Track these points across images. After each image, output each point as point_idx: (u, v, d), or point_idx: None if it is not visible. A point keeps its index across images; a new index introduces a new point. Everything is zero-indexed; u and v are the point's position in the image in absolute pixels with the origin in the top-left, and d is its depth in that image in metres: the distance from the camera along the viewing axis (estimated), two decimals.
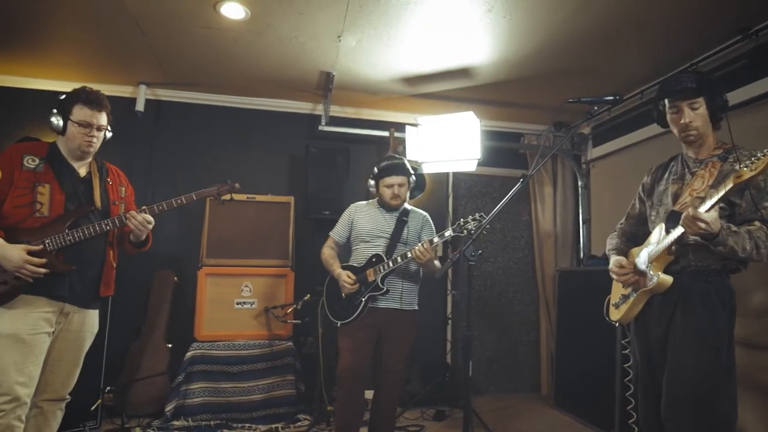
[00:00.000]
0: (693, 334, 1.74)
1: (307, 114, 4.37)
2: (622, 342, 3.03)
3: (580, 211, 4.55)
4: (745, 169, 1.50)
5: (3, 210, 1.98)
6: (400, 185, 2.66)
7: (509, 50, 3.28)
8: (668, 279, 1.81)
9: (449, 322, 4.37)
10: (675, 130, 1.89)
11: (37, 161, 2.06)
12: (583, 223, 4.51)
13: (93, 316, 2.20)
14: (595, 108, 1.96)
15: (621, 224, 2.22)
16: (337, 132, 4.22)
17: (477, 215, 2.31)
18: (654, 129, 3.67)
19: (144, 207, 2.17)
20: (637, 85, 3.71)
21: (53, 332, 2.03)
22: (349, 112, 4.42)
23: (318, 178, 3.93)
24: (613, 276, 2.01)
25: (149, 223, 2.14)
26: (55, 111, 2.10)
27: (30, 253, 1.92)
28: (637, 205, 2.14)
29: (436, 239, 2.46)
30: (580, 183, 4.56)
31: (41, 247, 1.95)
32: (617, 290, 2.06)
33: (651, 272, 1.83)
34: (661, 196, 1.96)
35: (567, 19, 2.88)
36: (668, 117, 1.89)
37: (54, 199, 2.04)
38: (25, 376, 1.92)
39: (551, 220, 4.57)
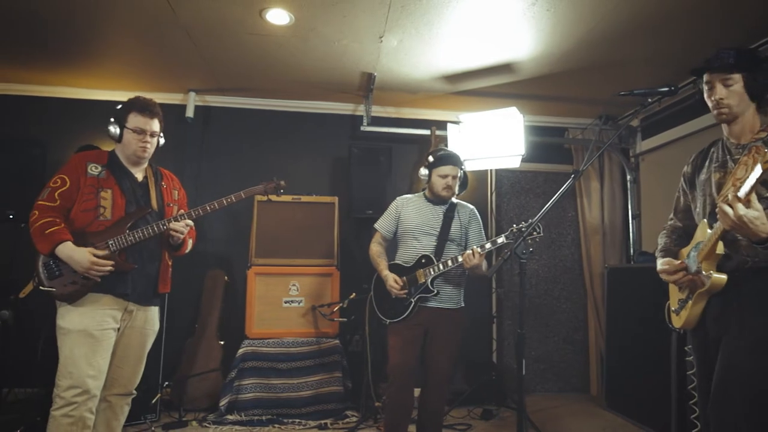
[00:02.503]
0: (747, 334, 1.62)
1: (349, 115, 4.43)
2: (685, 348, 2.90)
3: (630, 206, 4.42)
4: None
5: (71, 215, 2.11)
6: (453, 177, 2.64)
7: (553, 44, 3.22)
8: (722, 278, 1.67)
9: (494, 320, 4.33)
10: (710, 108, 1.79)
11: (100, 168, 2.19)
12: (632, 219, 4.37)
13: (154, 314, 2.32)
14: (649, 100, 1.89)
15: (671, 219, 2.07)
16: (379, 132, 4.25)
17: (530, 222, 2.19)
18: (709, 119, 3.51)
19: (198, 207, 2.27)
20: (690, 75, 3.55)
21: (118, 329, 2.16)
22: (391, 112, 4.44)
23: (361, 178, 3.97)
24: (663, 278, 1.87)
25: (182, 231, 2.23)
26: (112, 120, 2.23)
27: (95, 254, 2.04)
28: (682, 198, 2.00)
29: (488, 245, 2.42)
30: (628, 177, 4.42)
31: (106, 248, 2.08)
32: (674, 295, 1.93)
33: (704, 272, 1.71)
34: (704, 186, 1.82)
35: (613, 10, 2.80)
36: (705, 95, 1.79)
37: (116, 203, 2.16)
38: (95, 370, 2.05)
39: (598, 216, 4.44)
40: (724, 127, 1.81)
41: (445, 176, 2.63)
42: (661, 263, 1.89)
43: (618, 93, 1.94)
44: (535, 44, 3.24)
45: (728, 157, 1.76)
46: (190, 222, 2.26)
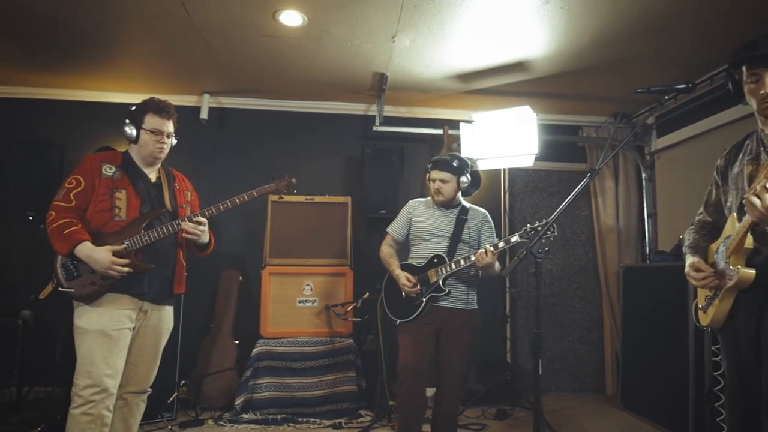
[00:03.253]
0: None
1: (361, 115, 4.44)
2: (713, 348, 2.86)
3: (645, 204, 4.37)
4: None
5: (87, 216, 2.14)
6: (442, 181, 2.61)
7: (567, 41, 3.20)
8: (750, 273, 1.61)
9: (508, 320, 4.31)
10: (753, 102, 1.70)
11: (114, 169, 2.21)
12: (648, 218, 4.33)
13: (168, 313, 2.34)
14: (666, 97, 1.86)
15: (700, 214, 2.00)
16: (391, 132, 4.26)
17: (544, 221, 2.16)
18: (726, 116, 3.47)
19: (211, 207, 2.29)
20: (706, 71, 3.52)
21: (134, 328, 2.18)
22: (403, 112, 4.44)
23: (374, 177, 3.97)
24: (691, 281, 1.81)
25: (197, 230, 2.24)
26: (127, 121, 2.24)
27: (114, 253, 2.06)
28: (714, 191, 1.93)
29: (501, 244, 2.41)
30: (644, 175, 4.37)
31: (123, 247, 2.09)
32: (703, 292, 1.87)
33: (731, 267, 1.66)
34: (736, 179, 1.76)
35: (627, 7, 2.77)
36: (746, 87, 1.69)
37: (130, 204, 2.18)
38: (112, 368, 2.08)
39: (613, 215, 4.40)
40: (759, 119, 1.74)
41: (434, 180, 2.64)
42: (688, 264, 1.83)
43: (635, 90, 1.91)
44: (548, 42, 3.22)
45: (762, 149, 1.70)
46: (203, 220, 2.26)
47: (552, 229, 2.09)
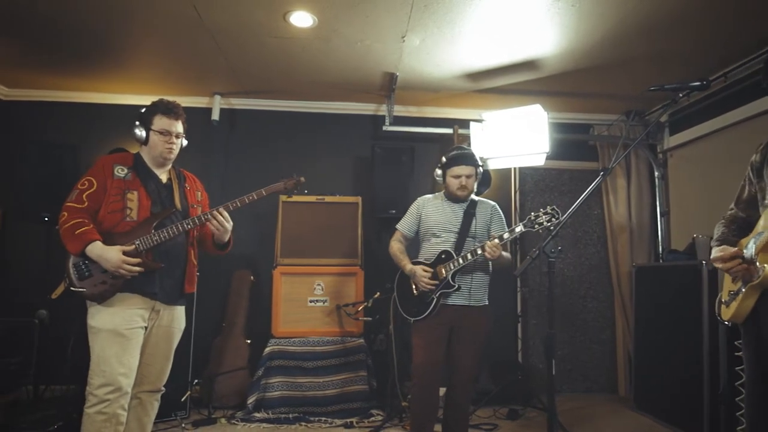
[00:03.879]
0: None
1: (371, 115, 4.45)
2: (736, 343, 2.83)
3: (658, 203, 4.33)
4: None
5: (99, 216, 2.16)
6: (467, 176, 2.61)
7: (578, 39, 3.18)
8: None
9: (519, 320, 4.29)
10: None
11: (126, 170, 2.23)
12: (661, 216, 4.29)
13: (180, 313, 2.36)
14: (680, 95, 1.84)
15: (731, 210, 1.98)
16: (401, 131, 4.26)
17: (549, 208, 2.18)
18: (741, 113, 3.42)
19: (219, 206, 2.29)
20: (720, 68, 3.48)
21: (146, 328, 2.20)
22: (413, 111, 4.44)
23: (384, 177, 3.97)
24: (717, 265, 1.78)
25: (225, 224, 2.26)
26: (137, 123, 2.26)
27: (124, 253, 2.08)
28: (747, 187, 1.89)
29: (506, 235, 2.40)
30: (656, 174, 4.33)
31: (134, 247, 2.11)
32: (727, 286, 1.86)
33: (758, 264, 1.63)
34: None
35: (639, 4, 2.75)
36: None
37: (141, 204, 2.20)
38: (126, 367, 2.09)
39: (625, 214, 4.36)
40: None
41: (458, 176, 2.62)
42: (716, 250, 1.80)
43: (648, 88, 1.90)
44: (559, 40, 3.20)
45: None
46: (225, 214, 2.28)
47: (556, 215, 2.07)
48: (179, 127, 2.29)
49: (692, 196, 4.03)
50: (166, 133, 2.25)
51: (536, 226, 2.27)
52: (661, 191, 4.33)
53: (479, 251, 2.44)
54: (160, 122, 2.25)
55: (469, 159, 2.64)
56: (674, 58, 3.37)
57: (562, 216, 2.08)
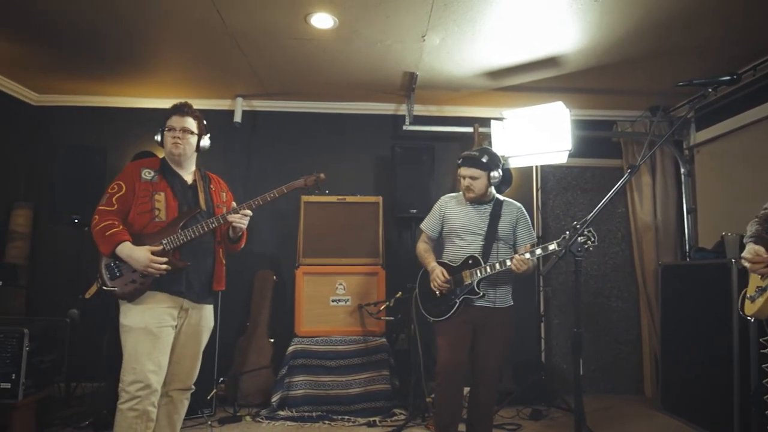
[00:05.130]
0: None
1: (391, 115, 4.46)
2: (761, 340, 2.76)
3: (684, 200, 4.24)
4: None
5: (129, 219, 2.23)
6: (471, 177, 2.57)
7: (600, 35, 3.14)
8: None
9: (542, 319, 4.25)
10: None
11: (153, 173, 2.30)
12: (687, 214, 4.21)
13: (208, 312, 2.41)
14: (710, 90, 1.80)
15: (765, 208, 1.96)
16: (421, 131, 4.26)
17: (586, 231, 2.02)
18: None
19: (243, 204, 2.34)
20: (748, 61, 3.40)
21: (176, 326, 2.25)
22: (432, 111, 4.44)
23: (404, 177, 3.97)
24: (746, 265, 1.79)
25: (246, 216, 2.33)
26: (159, 129, 2.36)
27: (152, 252, 2.14)
28: None
29: (538, 251, 2.36)
30: (682, 170, 4.25)
31: (161, 247, 2.17)
32: (754, 282, 1.84)
33: None
34: None
35: None
36: None
37: (169, 205, 2.26)
38: (156, 365, 2.15)
39: (650, 212, 4.28)
40: None
41: (463, 177, 2.60)
42: (748, 249, 1.81)
43: (676, 84, 1.86)
44: (581, 36, 3.16)
45: None
46: (248, 212, 2.33)
47: (592, 239, 2.02)
48: (185, 122, 2.33)
49: (719, 193, 3.94)
50: (171, 128, 2.31)
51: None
52: (687, 188, 4.24)
53: (508, 263, 2.41)
54: (169, 121, 2.34)
55: (474, 161, 2.57)
56: (700, 51, 3.30)
57: (596, 241, 2.03)
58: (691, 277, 3.52)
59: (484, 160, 2.57)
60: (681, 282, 3.63)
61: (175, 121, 2.32)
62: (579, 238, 1.98)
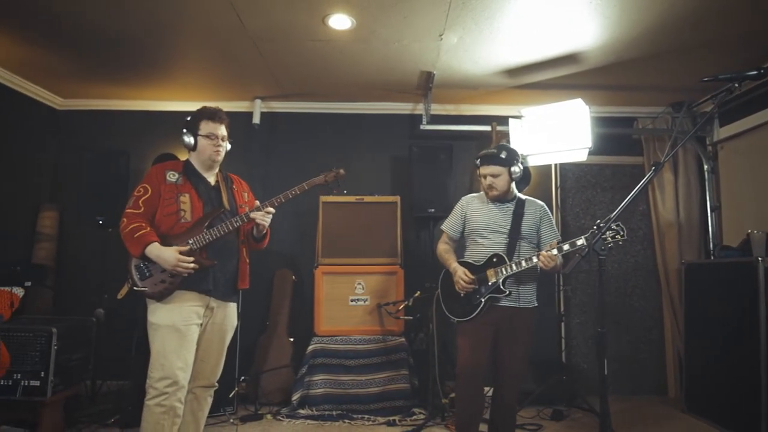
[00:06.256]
0: None
1: (408, 114, 4.46)
2: None
3: (708, 198, 4.16)
4: None
5: (156, 221, 2.28)
6: (492, 175, 2.55)
7: (621, 30, 3.09)
8: None
9: (563, 319, 4.20)
10: None
11: (177, 175, 2.36)
12: (711, 211, 4.12)
13: (232, 310, 2.45)
14: (736, 85, 1.77)
15: None
16: (438, 130, 4.26)
17: (614, 225, 2.05)
18: None
19: (265, 202, 2.38)
20: None
21: (201, 324, 2.30)
22: (450, 110, 4.43)
23: (422, 176, 3.97)
24: None
25: (269, 214, 2.37)
26: (185, 131, 2.39)
27: (180, 251, 2.19)
28: None
29: (566, 247, 2.34)
30: (706, 167, 4.17)
31: (188, 247, 2.22)
32: None
33: None
34: None
35: None
36: None
37: (194, 206, 2.31)
38: (183, 362, 2.20)
39: (673, 210, 4.20)
40: None
41: (484, 176, 2.58)
42: None
43: (701, 79, 1.83)
44: (600, 32, 3.13)
45: None
46: (271, 210, 2.37)
47: (621, 233, 2.01)
48: (223, 130, 2.41)
49: (744, 190, 3.86)
50: (212, 136, 2.36)
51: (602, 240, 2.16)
52: (711, 185, 4.16)
53: (534, 260, 2.39)
54: (206, 127, 2.37)
55: (494, 159, 2.55)
56: (723, 46, 3.23)
57: (626, 235, 2.01)
58: (716, 275, 3.45)
59: (503, 156, 2.55)
60: (705, 281, 3.56)
61: (213, 128, 2.37)
62: (608, 232, 1.97)
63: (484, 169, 2.58)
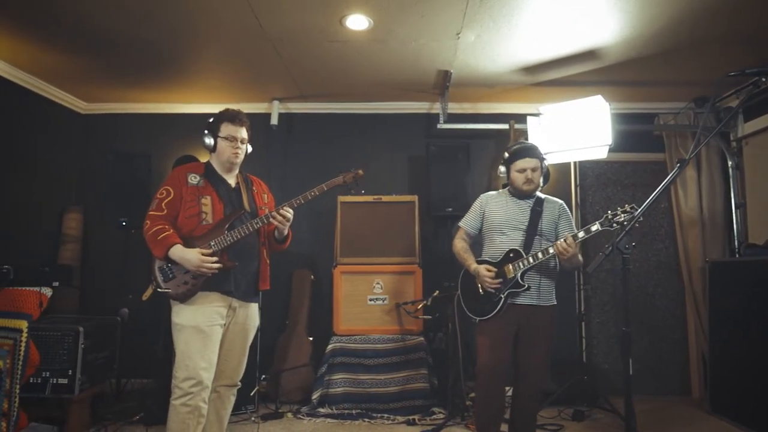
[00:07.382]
0: None
1: (425, 114, 4.45)
2: None
3: (732, 194, 4.07)
4: None
5: (178, 223, 2.32)
6: (533, 169, 2.54)
7: (642, 25, 3.04)
8: None
9: (583, 318, 4.16)
10: None
11: (198, 178, 2.38)
12: (736, 209, 4.03)
13: (254, 310, 2.48)
14: (763, 79, 1.73)
15: None
16: (455, 129, 4.24)
17: (628, 206, 2.09)
18: None
19: (284, 204, 2.39)
20: None
21: (224, 325, 2.33)
22: (467, 108, 4.41)
23: (439, 175, 3.97)
24: None
25: (288, 219, 2.37)
26: (206, 132, 2.41)
27: (203, 253, 2.22)
28: None
29: (581, 234, 2.32)
30: (730, 163, 4.08)
31: (210, 249, 2.25)
32: None
33: None
34: None
35: None
36: None
37: (215, 208, 2.34)
38: (207, 362, 2.23)
39: (696, 207, 4.12)
40: None
41: (523, 170, 2.56)
42: None
43: (728, 74, 1.80)
44: (621, 27, 3.08)
45: None
46: (290, 211, 2.38)
47: (637, 224, 2.00)
48: (243, 132, 2.43)
49: None
50: (232, 138, 2.39)
51: (615, 225, 2.17)
52: (735, 182, 4.07)
53: (551, 250, 2.38)
54: (226, 129, 2.39)
55: (532, 152, 2.59)
56: (747, 40, 3.16)
57: (641, 216, 2.01)
58: (742, 274, 3.38)
59: (538, 149, 2.63)
60: (730, 279, 3.49)
61: (233, 130, 2.39)
62: (622, 215, 1.99)
63: (524, 163, 2.56)
